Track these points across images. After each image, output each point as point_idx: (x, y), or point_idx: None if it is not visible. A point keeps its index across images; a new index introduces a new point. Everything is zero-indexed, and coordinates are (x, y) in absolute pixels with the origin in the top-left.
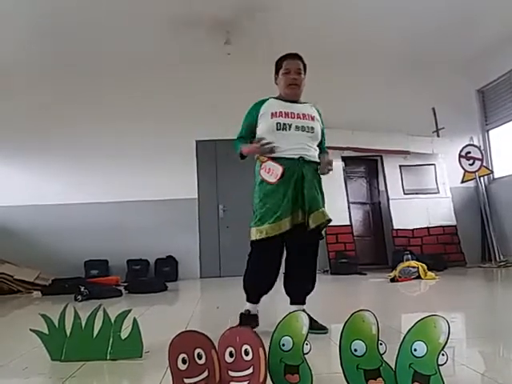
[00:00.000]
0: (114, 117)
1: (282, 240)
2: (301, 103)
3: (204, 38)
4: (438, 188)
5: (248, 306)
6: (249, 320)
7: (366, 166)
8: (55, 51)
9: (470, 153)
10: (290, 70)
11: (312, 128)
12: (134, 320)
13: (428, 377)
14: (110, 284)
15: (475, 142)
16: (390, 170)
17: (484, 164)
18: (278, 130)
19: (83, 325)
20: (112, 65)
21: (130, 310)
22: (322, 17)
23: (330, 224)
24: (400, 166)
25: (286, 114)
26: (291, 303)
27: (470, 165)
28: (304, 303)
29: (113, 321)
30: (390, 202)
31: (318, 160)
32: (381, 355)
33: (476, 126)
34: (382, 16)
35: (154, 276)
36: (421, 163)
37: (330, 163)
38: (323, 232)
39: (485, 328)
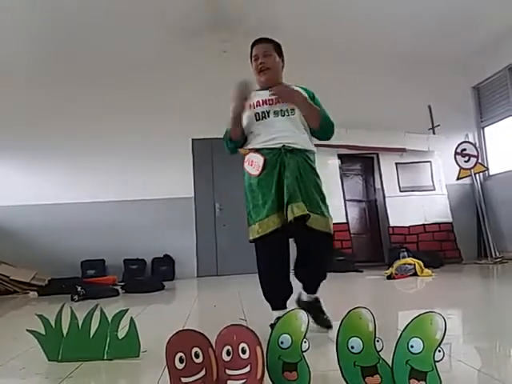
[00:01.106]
0: (113, 116)
1: (281, 236)
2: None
3: (201, 37)
4: (433, 185)
5: (276, 314)
6: None
7: (362, 163)
8: (55, 51)
9: (465, 150)
10: (258, 55)
11: (292, 110)
12: (131, 319)
13: (425, 373)
14: (106, 284)
15: (470, 139)
16: (386, 168)
17: (479, 161)
18: (257, 120)
19: (80, 325)
20: (112, 65)
21: (126, 310)
22: (322, 16)
23: None
24: (396, 164)
25: (264, 102)
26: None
27: (466, 162)
28: (315, 292)
29: (110, 320)
30: (386, 199)
31: (306, 147)
32: (378, 352)
33: (471, 123)
34: (381, 16)
35: (150, 275)
36: (417, 160)
37: (286, 92)
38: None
39: (481, 324)
